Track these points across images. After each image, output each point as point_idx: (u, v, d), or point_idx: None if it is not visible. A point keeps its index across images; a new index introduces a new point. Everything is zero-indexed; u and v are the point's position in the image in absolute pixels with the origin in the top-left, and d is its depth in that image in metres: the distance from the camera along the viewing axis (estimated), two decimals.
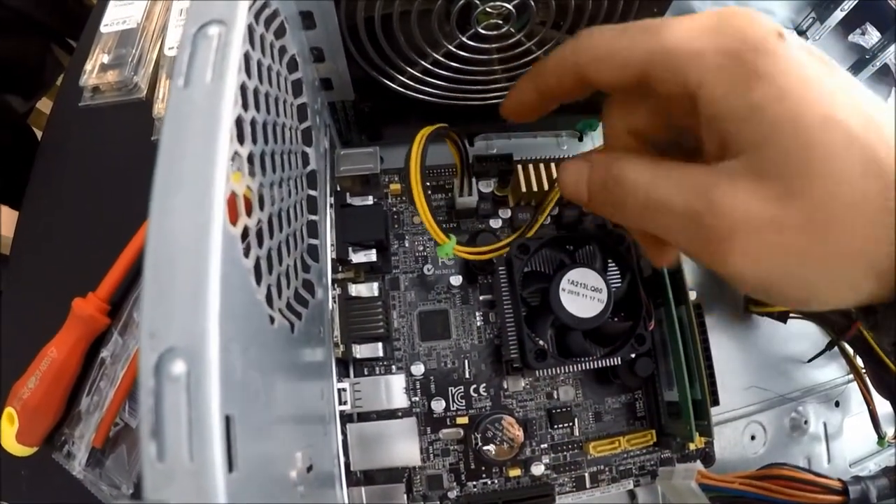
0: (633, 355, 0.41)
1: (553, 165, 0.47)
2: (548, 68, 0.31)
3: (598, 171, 0.29)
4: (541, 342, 0.40)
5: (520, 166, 0.47)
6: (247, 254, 0.20)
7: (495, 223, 0.48)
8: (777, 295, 0.26)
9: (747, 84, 0.24)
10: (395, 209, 0.48)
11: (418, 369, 0.44)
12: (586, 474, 0.44)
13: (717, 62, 0.25)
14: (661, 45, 0.26)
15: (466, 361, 0.45)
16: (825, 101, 0.23)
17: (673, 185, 0.26)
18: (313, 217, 0.35)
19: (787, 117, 0.23)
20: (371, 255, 0.42)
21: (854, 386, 0.51)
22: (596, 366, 0.40)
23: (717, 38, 0.25)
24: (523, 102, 0.34)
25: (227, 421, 0.16)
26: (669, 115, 0.29)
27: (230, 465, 0.16)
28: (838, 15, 0.62)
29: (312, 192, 0.35)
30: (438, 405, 0.43)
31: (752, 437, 0.49)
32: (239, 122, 0.19)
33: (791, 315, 0.48)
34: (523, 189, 0.46)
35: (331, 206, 0.41)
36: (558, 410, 0.44)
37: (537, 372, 0.42)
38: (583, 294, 0.40)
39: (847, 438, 0.51)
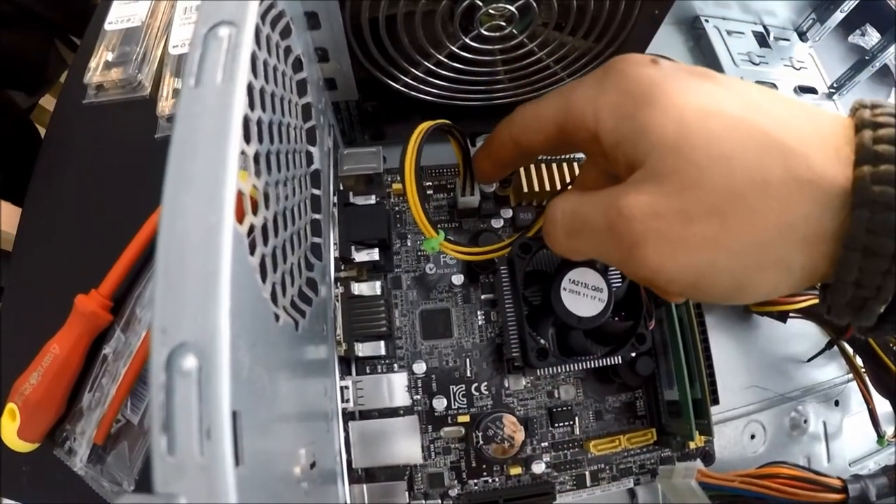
0: (633, 354, 0.41)
1: (554, 166, 0.47)
2: (493, 143, 0.37)
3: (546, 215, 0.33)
4: (542, 341, 0.40)
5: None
6: (252, 252, 0.21)
7: (497, 223, 0.48)
8: (708, 289, 0.26)
9: (633, 108, 0.27)
10: (397, 208, 0.48)
11: (420, 368, 0.44)
12: (587, 473, 0.45)
13: (606, 101, 0.28)
14: (566, 101, 0.30)
15: (468, 360, 0.45)
16: (701, 99, 0.26)
17: (592, 204, 0.29)
18: (317, 216, 0.35)
19: (670, 121, 0.25)
20: (374, 254, 0.42)
21: (853, 385, 0.51)
22: (597, 365, 0.41)
23: (604, 82, 0.29)
24: (485, 172, 0.40)
25: (234, 416, 0.16)
26: (593, 159, 0.33)
27: (237, 461, 0.16)
28: (838, 16, 0.62)
29: (316, 191, 0.35)
30: (440, 403, 0.44)
31: (752, 436, 0.49)
32: (245, 122, 0.20)
33: (791, 315, 0.48)
34: (525, 189, 0.46)
35: (334, 205, 0.42)
36: (559, 409, 0.45)
37: (538, 371, 0.42)
38: (584, 293, 0.40)
39: (847, 437, 0.52)
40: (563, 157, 0.49)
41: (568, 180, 0.47)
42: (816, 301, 0.47)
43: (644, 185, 0.26)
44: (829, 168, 0.23)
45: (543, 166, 0.47)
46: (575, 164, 0.47)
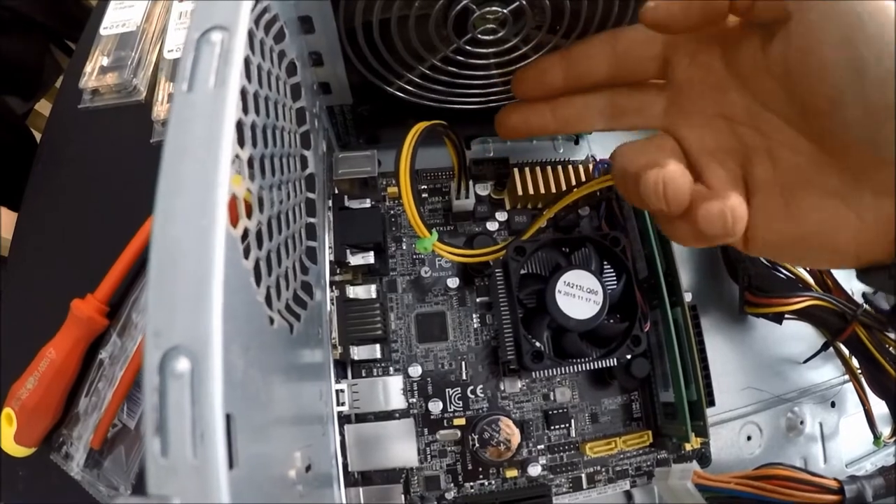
0: (629, 356, 0.41)
1: (549, 168, 0.47)
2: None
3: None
4: (537, 344, 0.40)
5: (516, 169, 0.47)
6: (247, 255, 0.21)
7: (492, 226, 0.48)
8: None
9: None
10: (392, 212, 0.48)
11: (416, 371, 0.44)
12: (583, 475, 0.45)
13: None
14: None
15: (463, 363, 0.45)
16: None
17: None
18: (312, 219, 0.35)
19: None
20: (369, 258, 0.43)
21: (850, 386, 0.51)
22: (592, 367, 0.41)
23: None
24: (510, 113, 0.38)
25: (228, 419, 0.16)
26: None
27: (231, 464, 0.16)
28: None
29: (311, 195, 0.35)
30: (436, 406, 0.44)
31: (749, 438, 0.50)
32: (239, 126, 0.20)
33: (786, 316, 0.49)
34: (520, 192, 0.46)
35: (329, 208, 0.42)
36: (555, 411, 0.45)
37: (534, 373, 0.42)
38: (579, 296, 0.40)
39: (843, 439, 0.52)
40: (559, 159, 0.50)
41: (563, 184, 0.47)
42: (812, 302, 0.47)
43: None
44: None
45: (538, 169, 0.47)
46: (570, 168, 0.48)
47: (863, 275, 0.29)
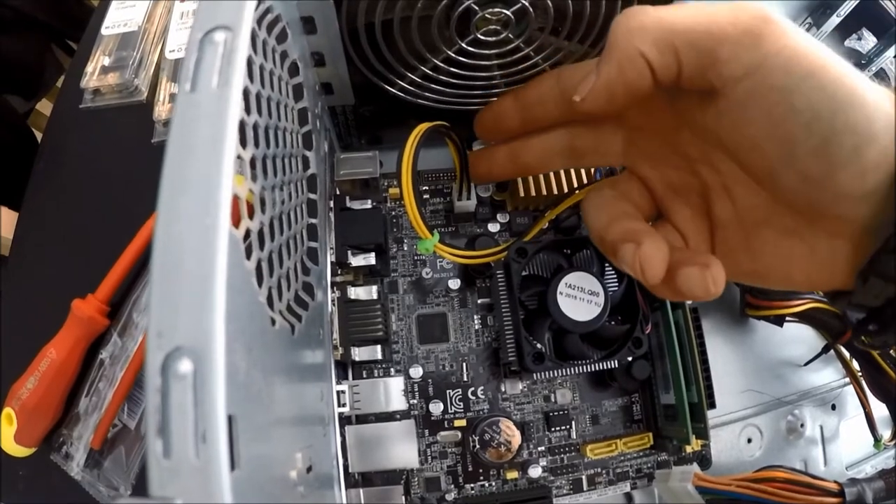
0: (630, 358, 0.41)
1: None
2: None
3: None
4: (538, 345, 0.40)
5: None
6: (249, 256, 0.21)
7: (493, 227, 0.48)
8: None
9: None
10: (394, 213, 0.48)
11: (416, 372, 0.44)
12: (583, 477, 0.45)
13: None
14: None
15: (464, 364, 0.45)
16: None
17: None
18: (313, 220, 0.35)
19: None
20: (370, 259, 0.43)
21: (850, 389, 0.51)
22: (593, 369, 0.41)
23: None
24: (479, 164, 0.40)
25: (230, 420, 0.16)
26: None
27: (233, 464, 0.16)
28: (835, 20, 0.63)
29: (312, 196, 0.35)
30: (436, 408, 0.44)
31: (749, 440, 0.50)
32: (242, 126, 0.20)
33: (787, 319, 0.49)
34: (521, 193, 0.46)
35: (330, 209, 0.42)
36: (555, 413, 0.45)
37: (535, 375, 0.42)
38: (580, 297, 0.40)
39: (843, 441, 0.52)
40: None
41: (565, 186, 0.47)
42: (813, 305, 0.47)
43: None
44: None
45: None
46: (572, 170, 0.47)
47: (829, 298, 0.32)
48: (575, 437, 0.45)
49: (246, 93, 0.21)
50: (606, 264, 0.43)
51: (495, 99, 0.38)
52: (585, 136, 0.36)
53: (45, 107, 0.90)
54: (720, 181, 0.31)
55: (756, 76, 0.25)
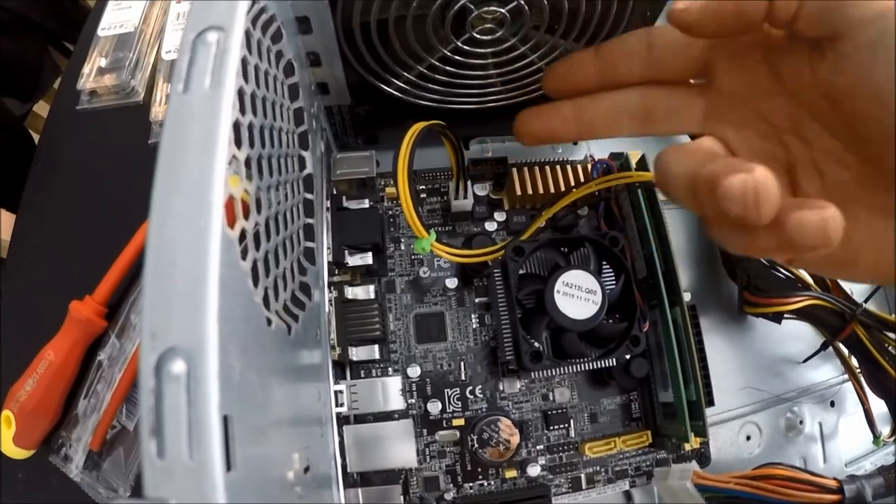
0: (628, 356, 0.41)
1: (548, 169, 0.47)
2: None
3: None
4: (536, 344, 0.40)
5: (515, 170, 0.47)
6: (244, 256, 0.21)
7: (490, 226, 0.48)
8: None
9: None
10: (391, 212, 0.48)
11: (414, 371, 0.44)
12: (582, 475, 0.45)
13: None
14: None
15: (462, 363, 0.45)
16: None
17: None
18: (310, 220, 0.35)
19: None
20: (367, 258, 0.43)
21: (849, 386, 0.51)
22: (591, 367, 0.41)
23: None
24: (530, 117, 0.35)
25: (226, 421, 0.16)
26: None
27: (228, 465, 0.16)
28: None
29: (309, 196, 0.35)
30: (435, 407, 0.44)
31: (748, 438, 0.50)
32: (236, 126, 0.20)
33: (785, 316, 0.49)
34: (518, 192, 0.46)
35: (327, 209, 0.42)
36: (554, 412, 0.45)
37: (533, 374, 0.42)
38: (577, 296, 0.40)
39: (842, 438, 0.52)
40: (557, 159, 0.49)
41: (562, 184, 0.47)
42: (811, 302, 0.47)
43: None
44: None
45: (537, 169, 0.47)
46: (569, 168, 0.47)
47: None
48: (573, 435, 0.45)
49: (241, 93, 0.21)
50: (604, 262, 0.43)
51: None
52: (663, 97, 0.33)
53: (42, 108, 0.90)
54: (809, 155, 0.28)
55: (889, 17, 0.23)
